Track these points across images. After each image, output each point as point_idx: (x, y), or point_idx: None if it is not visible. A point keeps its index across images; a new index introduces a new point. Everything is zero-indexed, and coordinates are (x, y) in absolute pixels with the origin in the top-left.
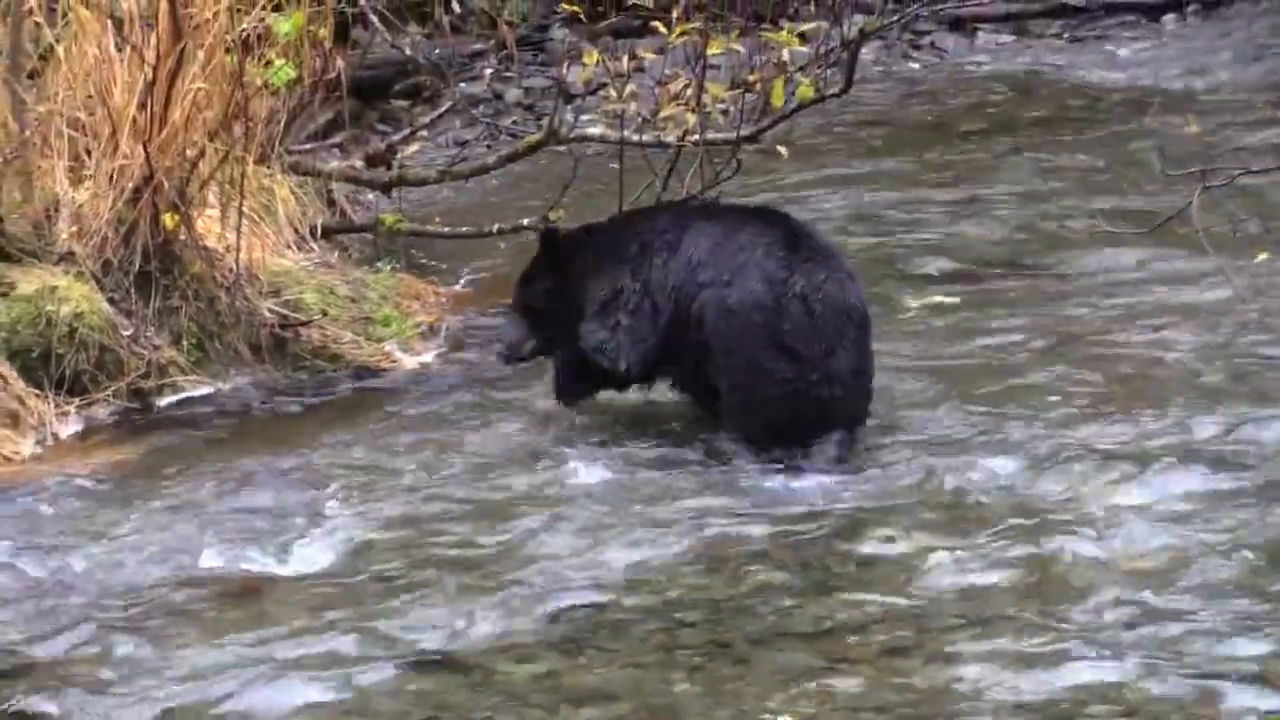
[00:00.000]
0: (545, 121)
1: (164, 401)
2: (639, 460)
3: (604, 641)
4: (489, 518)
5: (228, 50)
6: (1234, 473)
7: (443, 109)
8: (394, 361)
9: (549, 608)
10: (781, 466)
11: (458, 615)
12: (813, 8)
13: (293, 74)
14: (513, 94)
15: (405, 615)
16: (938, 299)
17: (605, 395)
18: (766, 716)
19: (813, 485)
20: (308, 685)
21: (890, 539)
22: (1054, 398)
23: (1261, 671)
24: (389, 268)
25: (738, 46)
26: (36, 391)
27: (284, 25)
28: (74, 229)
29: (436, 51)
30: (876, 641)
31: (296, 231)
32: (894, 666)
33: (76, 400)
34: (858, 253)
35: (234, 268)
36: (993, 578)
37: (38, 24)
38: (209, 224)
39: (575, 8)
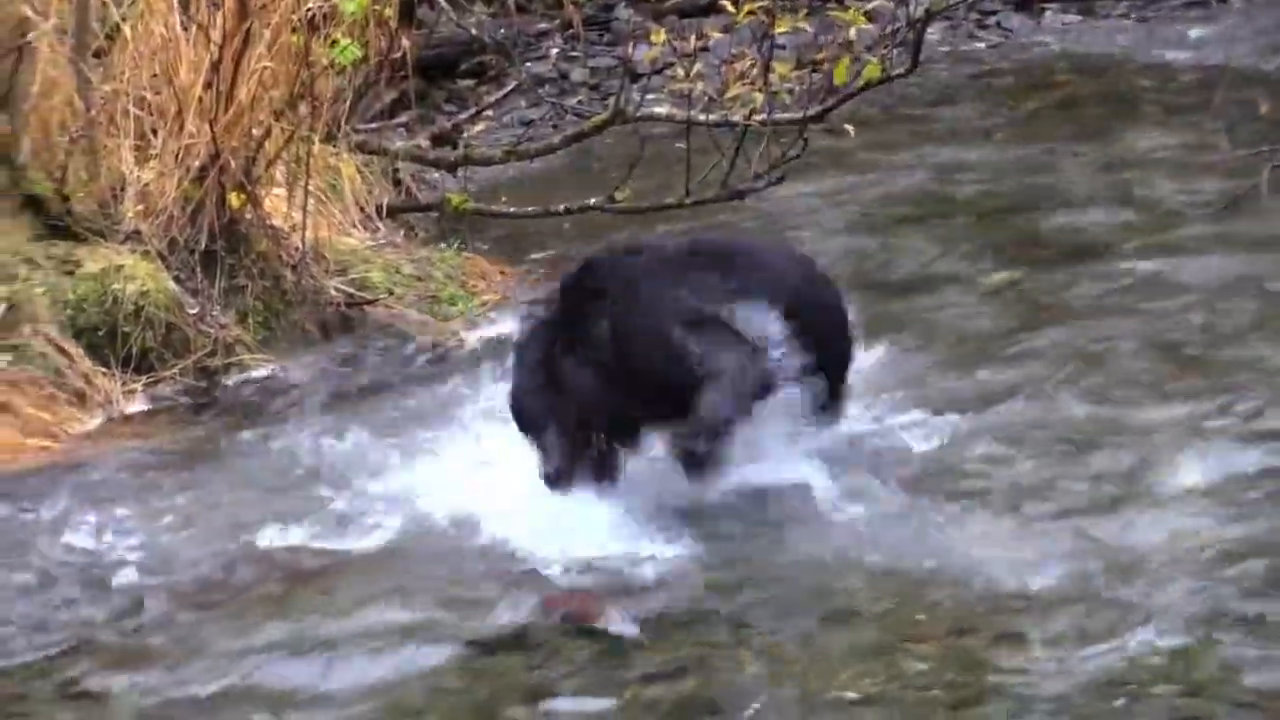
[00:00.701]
0: (611, 101)
1: (230, 380)
2: None
3: (673, 618)
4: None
5: (294, 30)
6: None
7: (508, 88)
8: (460, 340)
9: (616, 584)
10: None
11: (523, 591)
12: None
13: (358, 53)
14: (578, 73)
15: (469, 592)
16: (1004, 276)
17: None
18: (835, 694)
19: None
20: (371, 662)
21: (954, 519)
22: (1116, 377)
23: None
24: (455, 247)
25: (804, 25)
26: (103, 369)
27: (350, 5)
28: (140, 208)
29: (502, 31)
30: (943, 621)
31: (362, 211)
32: (960, 646)
33: (143, 378)
34: (924, 230)
35: (300, 246)
36: (1056, 557)
37: (104, 3)
38: (275, 203)
39: None
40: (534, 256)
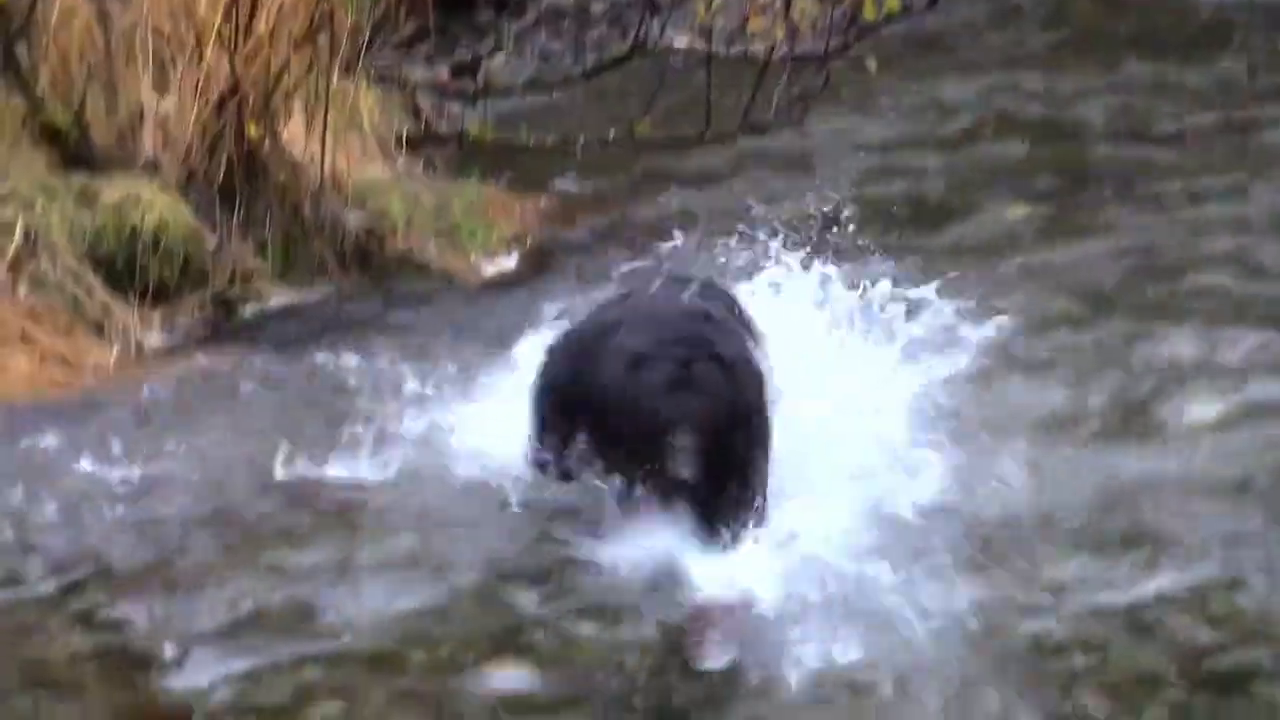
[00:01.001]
0: (632, 34)
1: (248, 310)
2: None
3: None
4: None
5: None
6: None
7: (529, 20)
8: (479, 273)
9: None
10: None
11: (543, 525)
12: None
13: None
14: (598, 6)
15: (490, 521)
16: (1025, 210)
17: None
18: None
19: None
20: (391, 592)
21: (971, 450)
22: (1134, 311)
23: None
24: (474, 179)
25: None
26: (121, 300)
27: None
28: (158, 139)
29: None
30: (962, 553)
31: (381, 143)
32: (978, 577)
33: (161, 309)
34: (948, 162)
35: (318, 178)
36: (1073, 490)
37: None
38: (294, 134)
39: None
40: (553, 189)
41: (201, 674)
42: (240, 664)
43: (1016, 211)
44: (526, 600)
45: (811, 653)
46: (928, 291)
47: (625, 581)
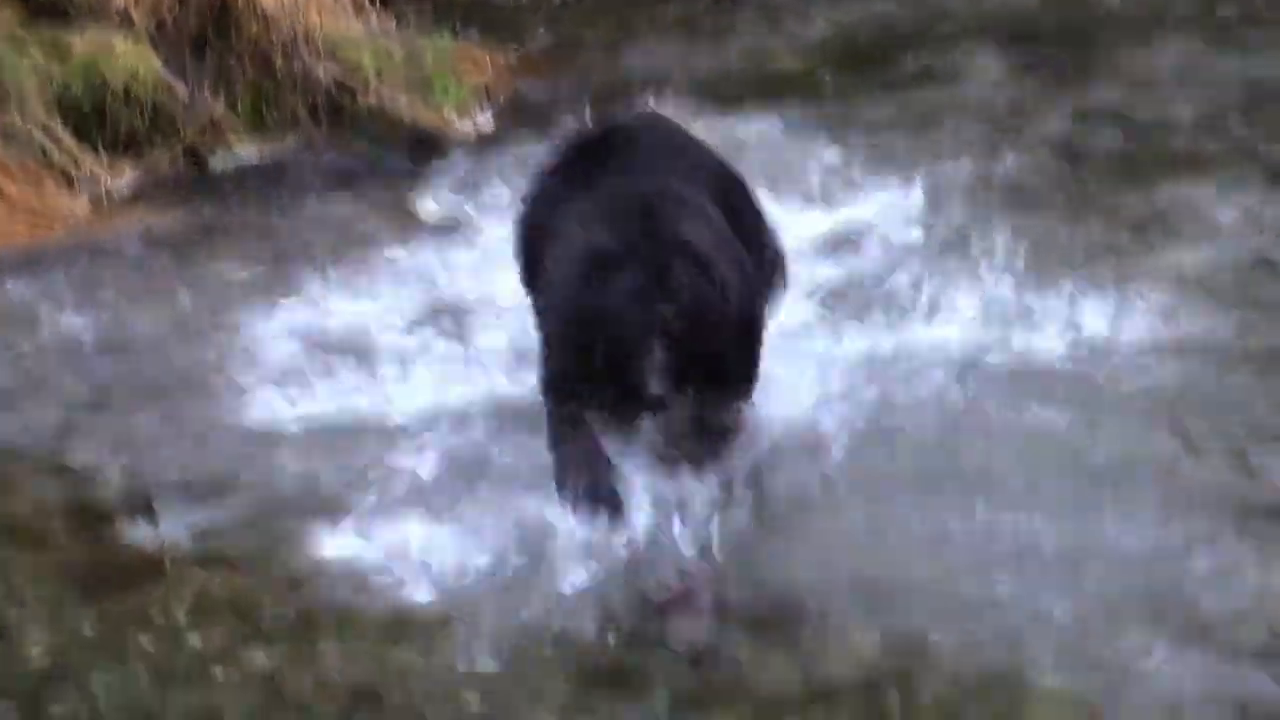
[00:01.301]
0: None
1: (218, 163)
2: None
3: None
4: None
5: None
6: None
7: None
8: (450, 126)
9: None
10: None
11: (501, 379)
12: None
13: None
14: None
15: (452, 375)
16: (1000, 66)
17: None
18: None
19: None
20: (347, 441)
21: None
22: (1105, 165)
23: None
24: (446, 33)
25: None
26: (91, 151)
27: None
28: None
29: None
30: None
31: None
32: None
33: (130, 161)
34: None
35: (290, 30)
36: (1044, 342)
37: None
38: None
39: None
40: (526, 42)
41: (169, 526)
42: (208, 516)
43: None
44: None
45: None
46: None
47: None
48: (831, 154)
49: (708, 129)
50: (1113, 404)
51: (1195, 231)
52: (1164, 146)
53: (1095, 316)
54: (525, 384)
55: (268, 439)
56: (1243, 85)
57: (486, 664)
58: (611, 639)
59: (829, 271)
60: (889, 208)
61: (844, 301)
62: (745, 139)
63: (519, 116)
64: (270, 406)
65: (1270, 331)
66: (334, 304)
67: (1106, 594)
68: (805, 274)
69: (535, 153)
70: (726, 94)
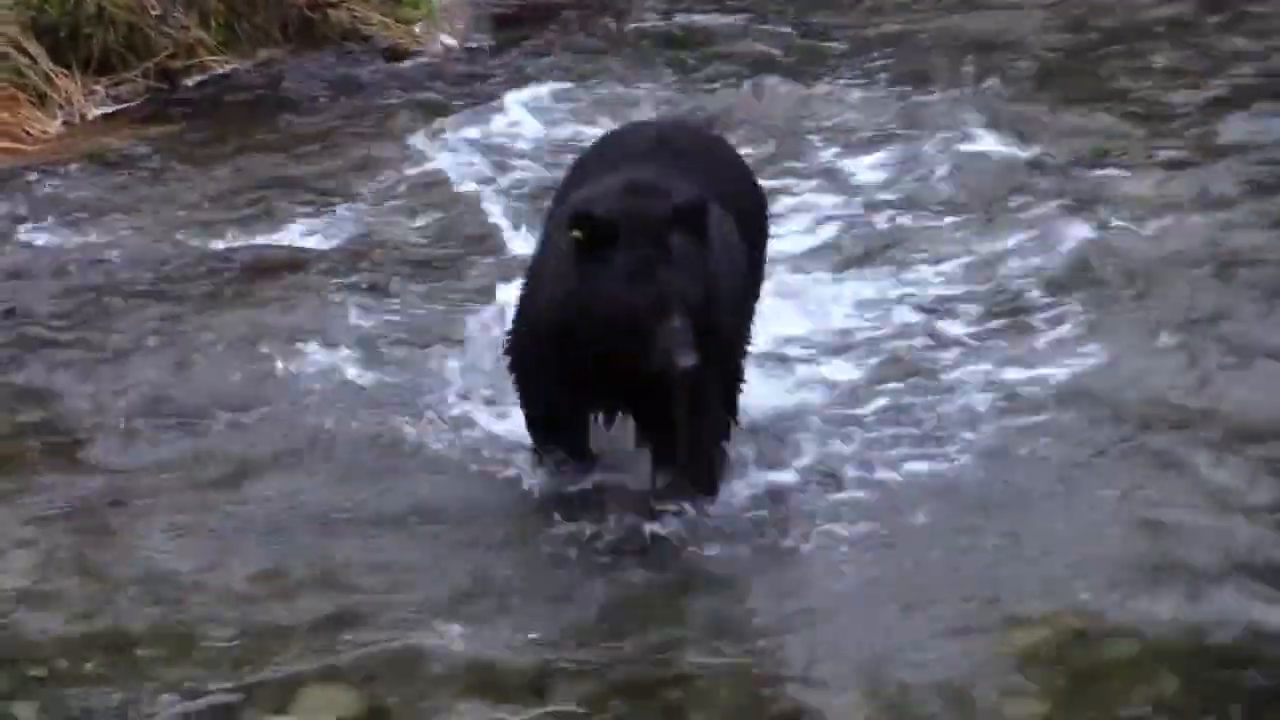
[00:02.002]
0: None
1: (191, 81)
2: None
3: None
4: (507, 197)
5: None
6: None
7: None
8: (421, 43)
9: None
10: None
11: (472, 281)
12: None
13: None
14: None
15: (422, 293)
16: None
17: None
18: None
19: None
20: (328, 353)
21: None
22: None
23: None
24: None
25: None
26: (64, 71)
27: None
28: None
29: None
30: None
31: None
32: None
33: (104, 80)
34: None
35: None
36: (1046, 257)
37: None
38: None
39: None
40: None
41: (144, 450)
42: (183, 439)
43: None
44: (462, 370)
45: None
46: None
47: None
48: None
49: None
50: None
51: None
52: None
53: None
54: None
55: (238, 356)
56: None
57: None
58: None
59: None
60: None
61: None
62: None
63: (489, 31)
64: (245, 323)
65: None
66: (303, 220)
67: None
68: None
69: (504, 64)
70: None
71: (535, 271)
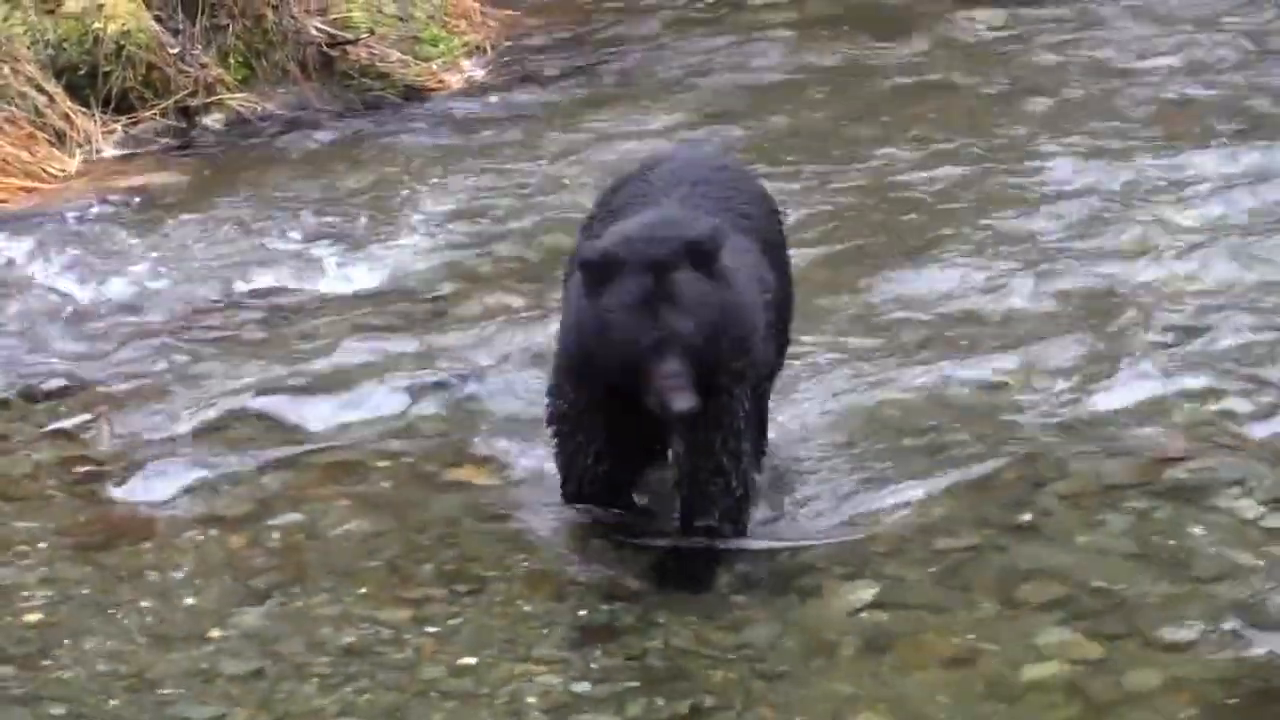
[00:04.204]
0: None
1: (210, 120)
2: None
3: None
4: (530, 240)
5: None
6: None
7: None
8: (440, 81)
9: None
10: None
11: (501, 335)
12: None
13: None
14: None
15: (445, 334)
16: (989, 20)
17: None
18: None
19: None
20: (345, 400)
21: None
22: (1098, 125)
23: None
24: None
25: None
26: (83, 109)
27: None
28: None
29: None
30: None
31: None
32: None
33: (123, 119)
34: None
35: None
36: (1051, 301)
37: None
38: None
39: None
40: None
41: (163, 485)
42: (201, 475)
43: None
44: (476, 408)
45: None
46: None
47: None
48: None
49: None
50: None
51: None
52: None
53: None
54: None
55: (258, 396)
56: None
57: (482, 621)
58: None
59: None
60: None
61: None
62: None
63: (510, 71)
64: (267, 365)
65: None
66: (326, 260)
67: None
68: None
69: (522, 105)
70: None
71: (564, 318)
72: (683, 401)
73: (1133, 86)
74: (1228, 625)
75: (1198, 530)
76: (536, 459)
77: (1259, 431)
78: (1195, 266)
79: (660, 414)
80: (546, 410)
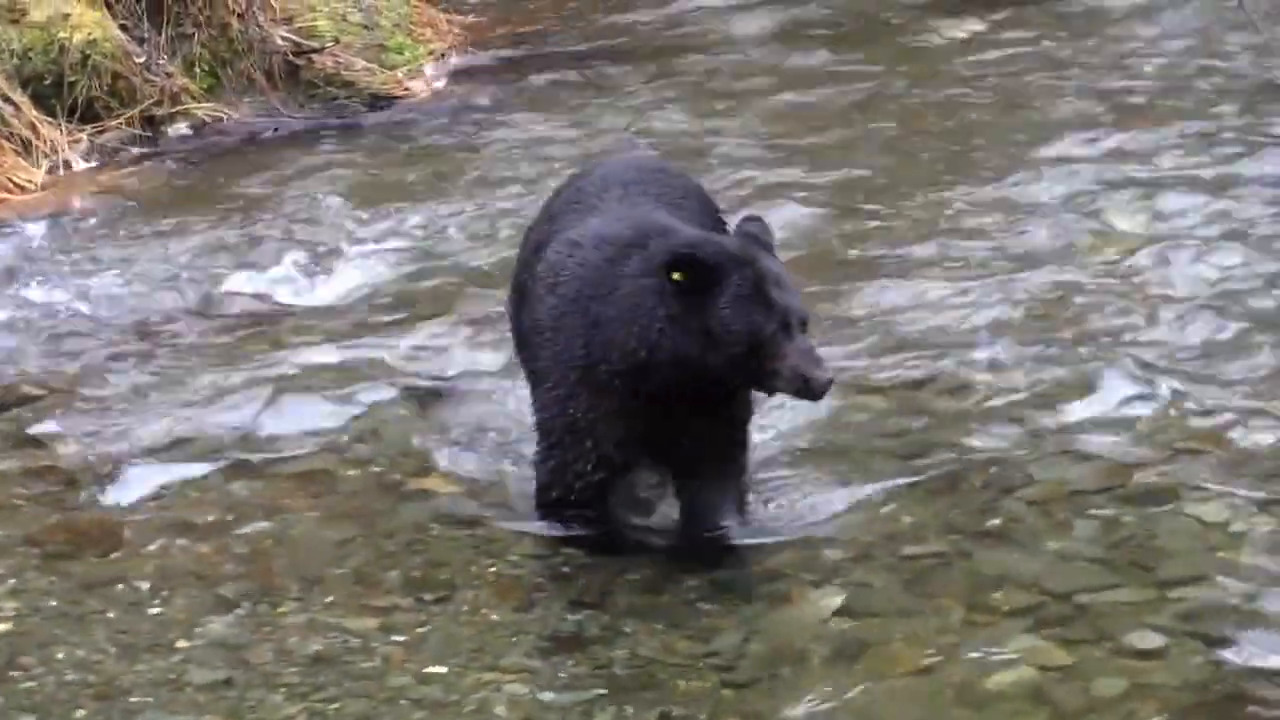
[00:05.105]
0: None
1: (176, 129)
2: None
3: None
4: (495, 247)
5: None
6: (1239, 200)
7: None
8: (406, 89)
9: None
10: None
11: (468, 343)
12: None
13: None
14: None
15: (411, 342)
16: (962, 30)
17: None
18: None
19: None
20: (311, 407)
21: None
22: (1068, 123)
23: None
24: None
25: None
26: (49, 119)
27: None
28: None
29: None
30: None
31: None
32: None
33: (89, 128)
34: None
35: None
36: (1017, 307)
37: None
38: None
39: None
40: (480, 3)
41: (130, 492)
42: (169, 482)
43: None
44: (449, 414)
45: None
46: None
47: None
48: None
49: None
50: None
51: None
52: None
53: None
54: None
55: (225, 403)
56: None
57: (450, 629)
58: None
59: None
60: None
61: None
62: None
63: (474, 78)
64: (234, 373)
65: None
66: (290, 268)
67: None
68: None
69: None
70: None
71: (569, 324)
72: (828, 370)
73: (1093, 94)
74: (1195, 631)
75: (1165, 535)
76: (503, 467)
77: (1224, 435)
78: (1161, 272)
79: (796, 392)
80: (547, 419)
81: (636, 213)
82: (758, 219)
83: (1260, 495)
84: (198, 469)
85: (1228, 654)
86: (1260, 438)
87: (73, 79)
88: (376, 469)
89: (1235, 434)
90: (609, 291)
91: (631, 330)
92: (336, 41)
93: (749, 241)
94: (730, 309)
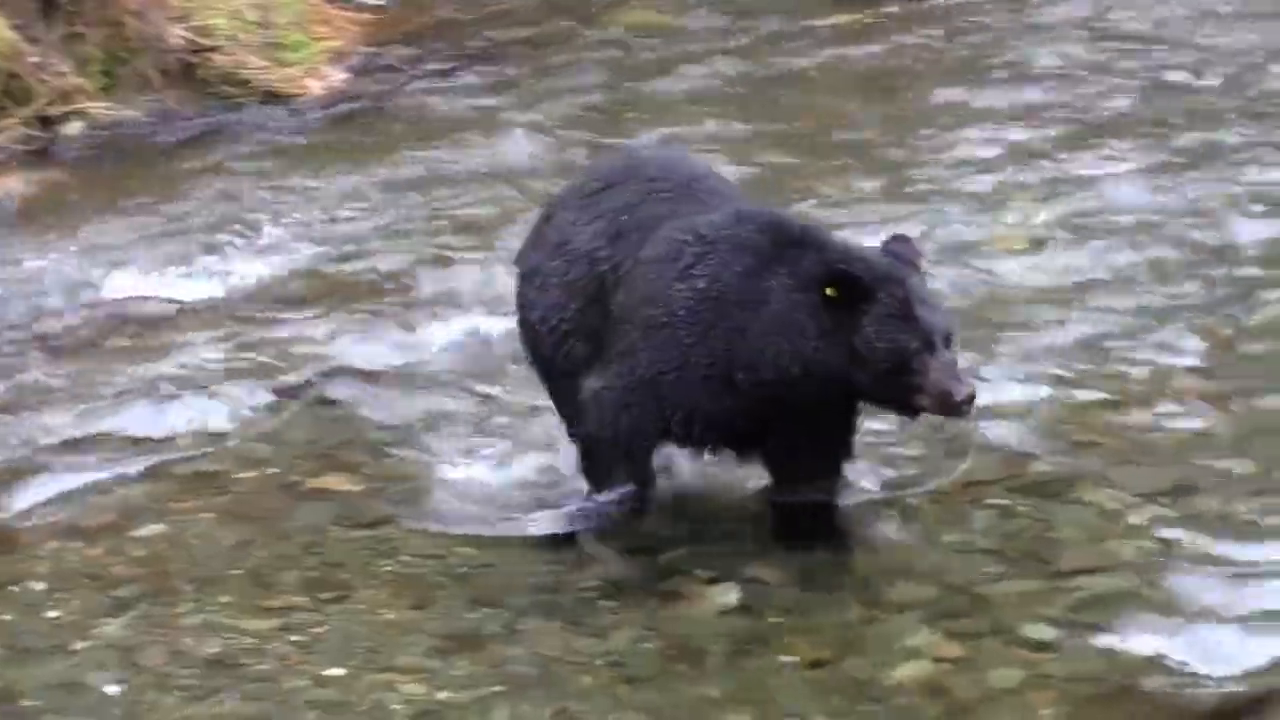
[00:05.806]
0: None
1: (71, 128)
2: None
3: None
4: (393, 244)
5: None
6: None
7: None
8: (302, 87)
9: (453, 330)
10: None
11: (365, 341)
12: None
13: None
14: None
15: (307, 341)
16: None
17: None
18: None
19: None
20: (209, 405)
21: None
22: (980, 107)
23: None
24: None
25: None
26: None
27: None
28: None
29: None
30: None
31: None
32: None
33: None
34: None
35: None
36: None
37: None
38: None
39: None
40: (376, 1)
41: (25, 496)
42: (62, 486)
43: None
44: (338, 415)
45: None
46: None
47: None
48: None
49: None
50: None
51: None
52: None
53: None
54: None
55: (117, 405)
56: None
57: (346, 630)
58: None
59: None
60: None
61: None
62: None
63: (371, 76)
64: (130, 371)
65: None
66: (185, 266)
67: None
68: None
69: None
70: None
71: (703, 319)
72: (969, 383)
73: (1003, 86)
74: (1090, 622)
75: (1061, 526)
76: (400, 466)
77: (1120, 425)
78: (1056, 264)
79: (940, 409)
80: (611, 427)
81: (762, 213)
82: (905, 238)
83: (1154, 485)
84: (91, 471)
85: (1122, 644)
86: (1155, 427)
87: None
88: (273, 469)
89: (1130, 424)
90: (757, 301)
91: (783, 346)
92: (233, 40)
93: (896, 260)
94: (877, 327)
